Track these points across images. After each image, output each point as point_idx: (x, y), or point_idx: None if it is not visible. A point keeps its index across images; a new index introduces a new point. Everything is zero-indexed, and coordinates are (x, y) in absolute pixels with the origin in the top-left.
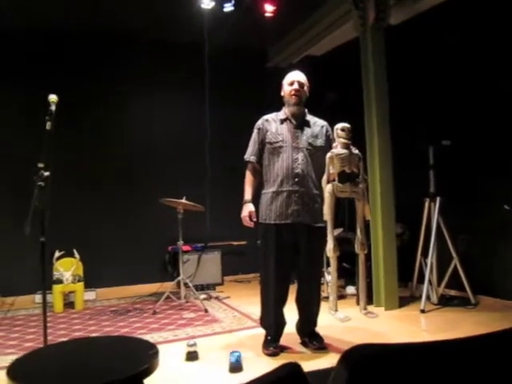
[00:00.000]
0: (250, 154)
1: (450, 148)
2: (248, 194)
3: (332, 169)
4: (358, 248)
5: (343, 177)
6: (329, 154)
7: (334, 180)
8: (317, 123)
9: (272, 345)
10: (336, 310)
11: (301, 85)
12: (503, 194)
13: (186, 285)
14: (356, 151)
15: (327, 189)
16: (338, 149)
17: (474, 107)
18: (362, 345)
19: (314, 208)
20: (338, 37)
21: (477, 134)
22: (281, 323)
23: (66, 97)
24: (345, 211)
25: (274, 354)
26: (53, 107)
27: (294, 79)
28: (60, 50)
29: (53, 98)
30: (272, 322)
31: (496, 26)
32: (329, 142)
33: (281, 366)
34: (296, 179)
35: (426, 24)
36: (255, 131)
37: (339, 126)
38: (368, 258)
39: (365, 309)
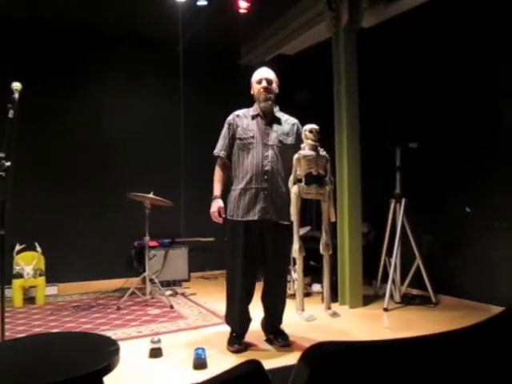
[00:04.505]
0: (219, 149)
1: (417, 150)
2: (217, 189)
3: (299, 170)
4: (322, 249)
5: (309, 178)
6: (296, 156)
7: (300, 181)
8: (288, 121)
9: (237, 342)
10: (302, 310)
11: (269, 81)
12: (465, 197)
13: (151, 281)
14: (323, 153)
15: (293, 190)
16: (305, 150)
17: (441, 111)
18: (322, 342)
19: (281, 206)
20: (311, 37)
21: (443, 137)
22: (246, 320)
23: (35, 87)
24: (312, 210)
25: (238, 351)
26: (16, 95)
27: (261, 77)
28: (29, 41)
29: (16, 85)
30: (237, 319)
31: (465, 30)
32: (299, 140)
33: (242, 363)
34: (265, 176)
35: (396, 28)
36: (226, 126)
37: (307, 127)
38: (334, 257)
39: (329, 308)
